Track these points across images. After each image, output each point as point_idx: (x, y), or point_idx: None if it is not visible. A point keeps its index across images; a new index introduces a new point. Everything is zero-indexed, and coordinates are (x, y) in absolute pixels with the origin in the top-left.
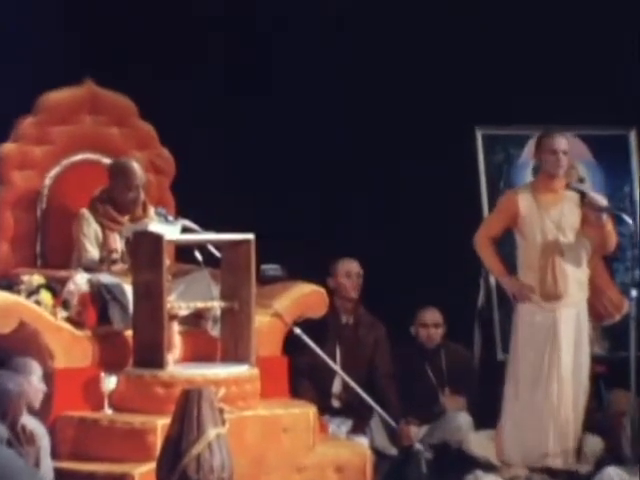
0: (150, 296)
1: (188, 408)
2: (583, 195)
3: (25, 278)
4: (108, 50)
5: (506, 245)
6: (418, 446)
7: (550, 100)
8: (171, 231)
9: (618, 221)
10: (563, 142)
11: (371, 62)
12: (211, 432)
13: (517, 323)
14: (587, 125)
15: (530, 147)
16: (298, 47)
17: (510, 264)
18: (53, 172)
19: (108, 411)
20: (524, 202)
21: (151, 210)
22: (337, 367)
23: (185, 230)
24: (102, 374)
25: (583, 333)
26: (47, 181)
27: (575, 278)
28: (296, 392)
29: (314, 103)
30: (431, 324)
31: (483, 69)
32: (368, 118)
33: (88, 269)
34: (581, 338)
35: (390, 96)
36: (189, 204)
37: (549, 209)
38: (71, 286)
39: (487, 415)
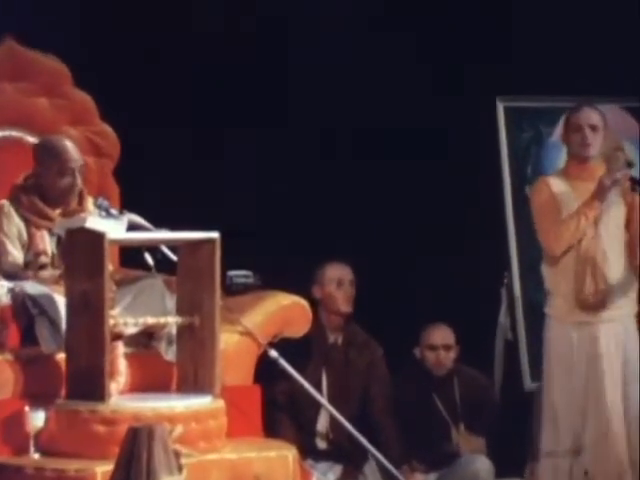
0: (88, 310)
1: (136, 451)
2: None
3: None
4: (37, 4)
5: (534, 250)
6: None
7: (589, 64)
8: (115, 228)
9: None
10: (591, 115)
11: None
12: None
13: (549, 342)
14: (635, 95)
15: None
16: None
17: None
18: None
19: (34, 455)
20: (558, 188)
21: (89, 202)
22: (323, 399)
23: (132, 227)
24: (27, 408)
25: (635, 354)
26: None
27: (620, 285)
28: (272, 430)
29: (302, 80)
30: (441, 346)
31: (506, 29)
32: (358, 93)
33: (9, 276)
34: (634, 360)
35: (394, 60)
36: (137, 194)
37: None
38: None
39: (511, 459)
